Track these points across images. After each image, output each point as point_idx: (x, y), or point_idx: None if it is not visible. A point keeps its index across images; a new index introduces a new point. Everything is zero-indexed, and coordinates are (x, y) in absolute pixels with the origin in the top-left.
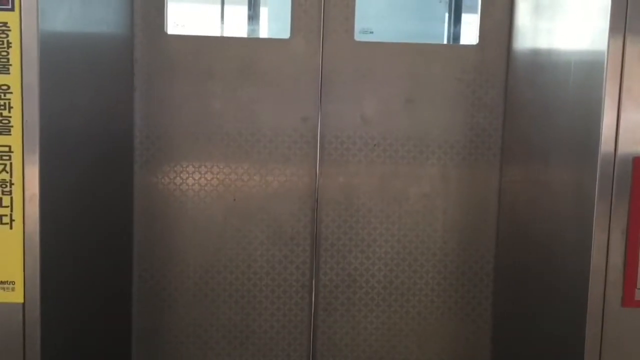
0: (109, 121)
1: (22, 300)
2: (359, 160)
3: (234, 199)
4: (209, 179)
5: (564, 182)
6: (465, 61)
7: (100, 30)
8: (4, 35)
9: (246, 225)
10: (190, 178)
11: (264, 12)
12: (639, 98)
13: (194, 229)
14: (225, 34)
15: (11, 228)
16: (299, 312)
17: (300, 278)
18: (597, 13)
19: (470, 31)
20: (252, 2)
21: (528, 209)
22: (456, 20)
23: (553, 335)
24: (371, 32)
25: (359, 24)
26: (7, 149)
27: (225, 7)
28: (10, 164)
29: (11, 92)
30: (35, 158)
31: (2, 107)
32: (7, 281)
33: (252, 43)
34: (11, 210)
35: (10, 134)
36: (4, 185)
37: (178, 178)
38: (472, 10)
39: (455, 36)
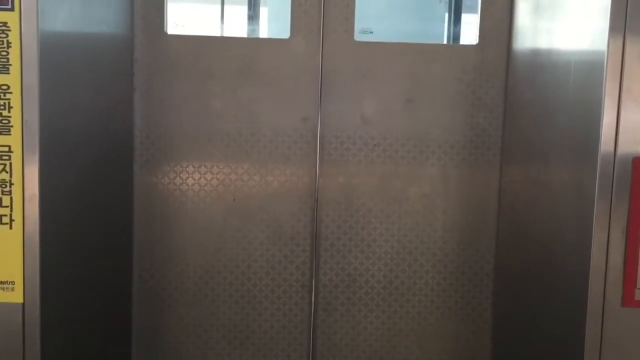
0: (109, 121)
1: (22, 301)
2: (359, 160)
3: (234, 199)
4: (209, 179)
5: (564, 182)
6: (465, 61)
7: (100, 30)
8: (4, 35)
9: (246, 225)
10: (190, 178)
11: (264, 12)
12: (639, 98)
13: (194, 229)
14: (225, 34)
15: (11, 228)
16: (299, 312)
17: (300, 278)
18: (597, 13)
19: (470, 31)
20: (252, 2)
21: (528, 209)
22: (456, 20)
23: (553, 335)
24: (371, 32)
25: (359, 24)
26: (7, 149)
27: (225, 7)
28: (10, 164)
29: (11, 92)
30: (35, 158)
31: (2, 107)
32: (7, 281)
33: (252, 43)
34: (11, 210)
35: (10, 134)
36: (3, 185)
37: (178, 178)
38: (472, 10)
39: (455, 36)
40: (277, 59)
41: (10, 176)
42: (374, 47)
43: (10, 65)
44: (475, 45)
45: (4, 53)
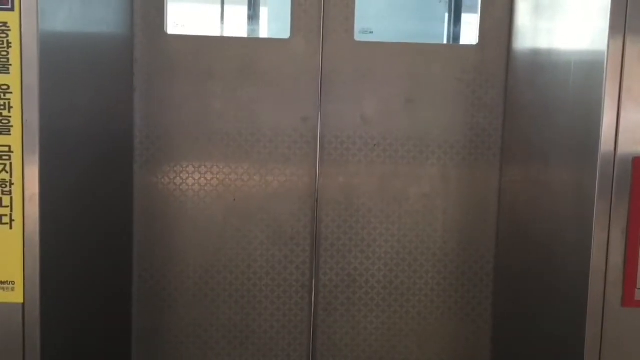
0: (109, 121)
1: (22, 300)
2: (359, 160)
3: (234, 199)
4: (209, 179)
5: (564, 182)
6: (465, 61)
7: (100, 30)
8: (4, 35)
9: (246, 225)
10: (190, 178)
11: (264, 12)
12: (639, 98)
13: (194, 229)
14: (225, 34)
15: (11, 228)
16: (299, 312)
17: (300, 278)
18: (597, 13)
19: (470, 31)
20: (252, 2)
21: (528, 209)
22: (456, 20)
23: (553, 335)
24: (371, 32)
25: (359, 24)
26: (7, 149)
27: (225, 7)
28: (10, 164)
29: (11, 92)
30: (35, 158)
31: (2, 107)
32: (7, 281)
33: (252, 43)
34: (11, 210)
35: (10, 134)
36: (4, 185)
37: (178, 178)
38: (472, 10)
39: (455, 36)
40: (277, 59)
41: (11, 176)
42: (374, 47)
43: (10, 65)
44: (475, 45)
45: (4, 53)
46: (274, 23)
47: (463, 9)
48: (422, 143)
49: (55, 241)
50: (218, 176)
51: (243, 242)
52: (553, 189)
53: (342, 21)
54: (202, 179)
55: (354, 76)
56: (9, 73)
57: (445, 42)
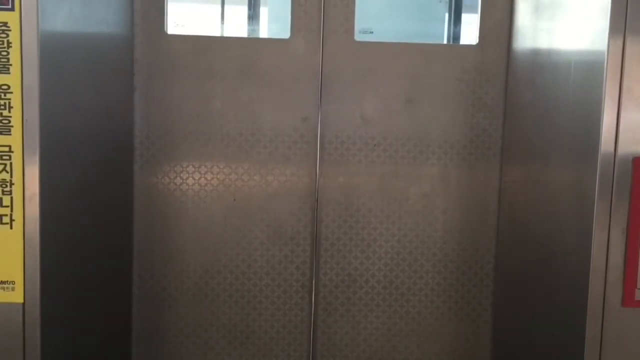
0: (109, 121)
1: (22, 300)
2: (359, 160)
3: (234, 199)
4: (209, 179)
5: (564, 182)
6: (465, 61)
7: (100, 30)
8: (4, 35)
9: (246, 225)
10: (191, 178)
11: (264, 12)
12: (639, 98)
13: (194, 229)
14: (226, 34)
15: (11, 228)
16: (299, 312)
17: (300, 278)
18: (597, 13)
19: (470, 31)
20: (252, 2)
21: (528, 209)
22: (456, 20)
23: (553, 335)
24: (371, 32)
25: (359, 24)
26: (7, 148)
27: (225, 7)
28: (10, 163)
29: (11, 92)
30: (35, 158)
31: (2, 107)
32: (7, 281)
33: (252, 43)
34: (11, 210)
35: (10, 134)
36: (4, 185)
37: (178, 178)
38: (472, 10)
39: (455, 36)
40: (277, 59)
41: (11, 176)
42: (374, 47)
43: (11, 65)
44: (475, 45)
45: (4, 53)
46: (274, 23)
47: (463, 9)
48: (422, 143)
49: (55, 241)
50: (218, 176)
51: (243, 242)
52: (553, 189)
53: (342, 21)
54: (202, 179)
55: (354, 76)
56: (9, 73)
57: (445, 42)
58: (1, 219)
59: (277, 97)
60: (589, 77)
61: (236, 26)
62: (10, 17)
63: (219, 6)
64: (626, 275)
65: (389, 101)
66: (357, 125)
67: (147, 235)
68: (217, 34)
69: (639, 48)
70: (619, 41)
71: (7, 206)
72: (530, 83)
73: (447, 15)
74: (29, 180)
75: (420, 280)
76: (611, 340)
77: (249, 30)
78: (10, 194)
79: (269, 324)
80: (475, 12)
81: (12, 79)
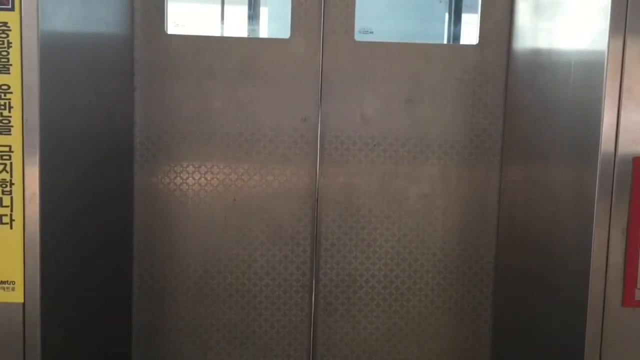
0: (109, 121)
1: (22, 300)
2: (359, 160)
3: (234, 199)
4: (209, 179)
5: (564, 182)
6: (465, 61)
7: (100, 30)
8: (4, 35)
9: (246, 225)
10: (191, 178)
11: (264, 12)
12: (639, 98)
13: (194, 229)
14: (226, 34)
15: (11, 228)
16: (299, 312)
17: (300, 278)
18: (597, 13)
19: (470, 31)
20: (252, 2)
21: (528, 209)
22: (456, 20)
23: (553, 335)
24: (371, 32)
25: (359, 24)
26: (7, 148)
27: (225, 7)
28: (11, 163)
29: (11, 92)
30: (35, 158)
31: (2, 107)
32: (7, 281)
33: (252, 43)
34: (11, 210)
35: (10, 134)
36: (4, 185)
37: (178, 178)
38: (472, 10)
39: (455, 36)
40: (277, 59)
41: (11, 176)
42: (374, 47)
43: (11, 65)
44: (475, 45)
45: (4, 53)
46: (274, 23)
47: (463, 9)
48: (422, 143)
49: (55, 241)
50: (218, 176)
51: (243, 242)
52: (553, 189)
53: (342, 21)
54: (202, 178)
55: (354, 76)
56: (9, 73)
57: (445, 42)
58: (1, 219)
59: (277, 97)
60: (589, 77)
61: (236, 26)
62: (10, 17)
63: (219, 6)
64: (626, 275)
65: (389, 101)
66: (357, 125)
67: (147, 235)
68: (217, 34)
69: (639, 48)
70: (619, 41)
71: (7, 206)
72: (530, 83)
73: (447, 15)
74: (29, 180)
75: (420, 280)
76: (611, 340)
77: (249, 30)
78: (10, 194)
79: (269, 324)
80: (475, 12)
81: (12, 79)
